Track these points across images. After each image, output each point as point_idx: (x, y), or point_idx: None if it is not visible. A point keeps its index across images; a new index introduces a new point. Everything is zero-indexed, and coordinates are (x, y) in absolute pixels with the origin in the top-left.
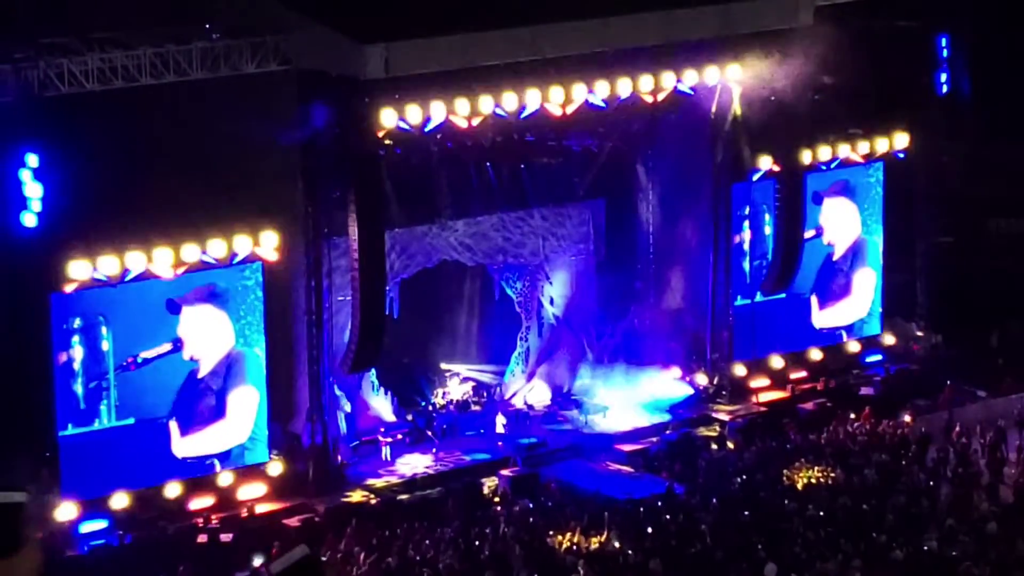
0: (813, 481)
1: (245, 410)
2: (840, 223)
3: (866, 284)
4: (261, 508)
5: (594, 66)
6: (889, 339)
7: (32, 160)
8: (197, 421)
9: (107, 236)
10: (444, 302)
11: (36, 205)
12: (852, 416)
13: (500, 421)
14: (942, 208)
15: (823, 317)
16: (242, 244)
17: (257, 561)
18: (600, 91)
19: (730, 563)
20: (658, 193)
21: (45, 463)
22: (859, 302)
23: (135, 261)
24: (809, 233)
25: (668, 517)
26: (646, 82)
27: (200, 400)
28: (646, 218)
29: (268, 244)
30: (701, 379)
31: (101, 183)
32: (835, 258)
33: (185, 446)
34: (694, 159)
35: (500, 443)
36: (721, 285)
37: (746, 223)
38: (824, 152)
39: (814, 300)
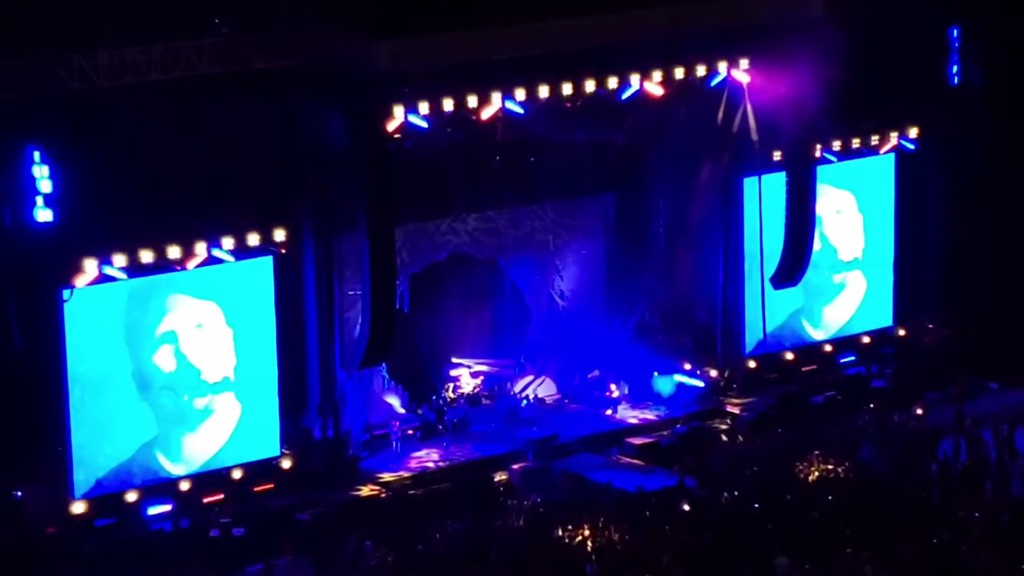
0: (824, 474)
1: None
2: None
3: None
4: (273, 502)
5: (604, 59)
6: (901, 332)
7: (44, 156)
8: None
9: (118, 231)
10: (454, 296)
11: (49, 201)
12: (864, 409)
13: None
14: (954, 199)
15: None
16: (253, 239)
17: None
18: (610, 85)
19: (741, 556)
20: (669, 186)
21: (57, 458)
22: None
23: (146, 256)
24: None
25: (679, 511)
26: (656, 75)
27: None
28: (656, 212)
29: (278, 239)
30: (712, 372)
31: (112, 178)
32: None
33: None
34: (704, 152)
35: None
36: (732, 279)
37: (757, 217)
38: (835, 144)
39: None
